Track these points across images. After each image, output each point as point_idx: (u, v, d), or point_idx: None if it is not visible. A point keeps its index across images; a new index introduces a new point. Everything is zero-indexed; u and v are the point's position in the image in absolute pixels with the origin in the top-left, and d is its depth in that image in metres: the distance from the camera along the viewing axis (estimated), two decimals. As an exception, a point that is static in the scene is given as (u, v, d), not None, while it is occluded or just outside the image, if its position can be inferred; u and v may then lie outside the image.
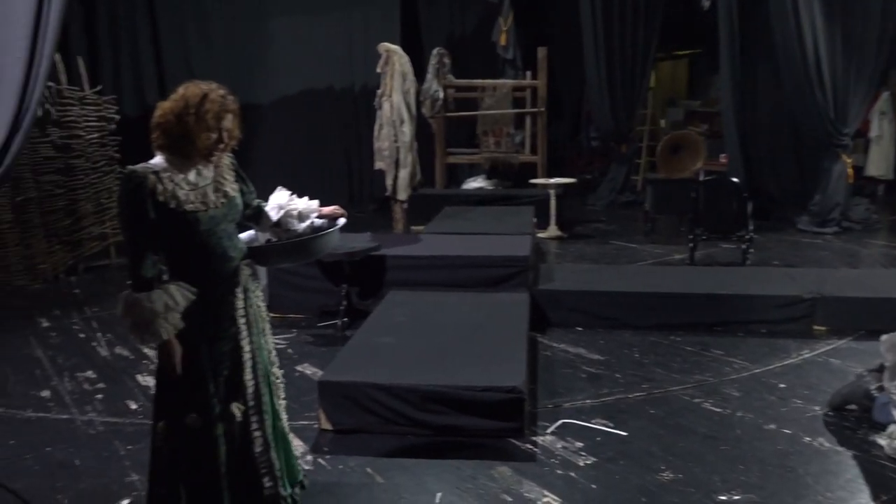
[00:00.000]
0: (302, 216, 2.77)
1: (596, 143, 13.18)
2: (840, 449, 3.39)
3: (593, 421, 3.70)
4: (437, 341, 4.17)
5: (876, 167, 11.27)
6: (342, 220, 2.85)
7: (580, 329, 5.18)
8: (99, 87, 7.64)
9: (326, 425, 3.60)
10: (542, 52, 9.60)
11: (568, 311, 5.28)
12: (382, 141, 6.77)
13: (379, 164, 6.88)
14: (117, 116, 7.77)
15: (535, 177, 9.54)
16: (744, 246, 6.86)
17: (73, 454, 3.42)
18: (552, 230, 8.55)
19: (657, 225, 8.67)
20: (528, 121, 10.51)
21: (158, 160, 2.40)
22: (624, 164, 11.44)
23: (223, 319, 2.48)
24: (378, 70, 6.92)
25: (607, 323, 5.20)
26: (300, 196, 2.85)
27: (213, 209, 2.43)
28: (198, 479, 2.46)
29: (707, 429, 3.61)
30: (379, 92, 6.86)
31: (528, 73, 10.69)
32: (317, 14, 10.67)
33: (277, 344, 4.87)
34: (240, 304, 2.52)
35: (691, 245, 7.04)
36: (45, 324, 5.57)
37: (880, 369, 3.60)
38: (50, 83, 6.45)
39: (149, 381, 4.33)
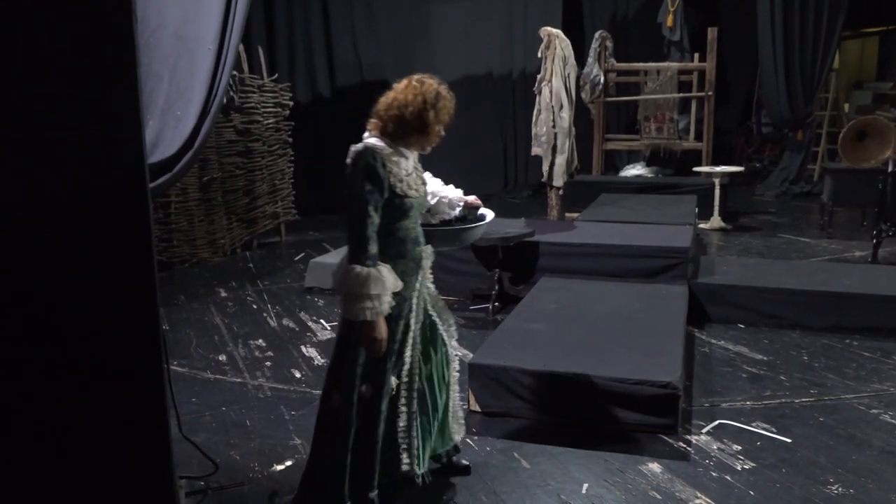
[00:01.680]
0: (452, 204, 2.88)
1: (767, 130, 12.31)
2: None
3: (753, 424, 3.49)
4: (589, 330, 4.11)
5: None
6: (492, 214, 2.95)
7: (742, 326, 4.89)
8: (275, 76, 8.18)
9: (475, 407, 3.66)
10: (711, 33, 9.09)
11: (729, 306, 5.00)
12: (540, 126, 6.72)
13: (536, 150, 6.83)
14: (291, 103, 8.28)
15: (699, 164, 9.10)
16: (939, 244, 6.18)
17: (245, 415, 3.72)
18: (715, 221, 8.13)
19: (835, 218, 7.98)
20: (693, 106, 10.02)
21: (380, 144, 2.49)
22: (799, 152, 10.63)
23: (404, 299, 2.58)
24: (539, 55, 6.86)
25: (773, 322, 4.88)
26: (455, 182, 2.95)
27: (419, 196, 2.59)
28: (358, 449, 2.57)
29: (885, 443, 3.30)
30: (539, 77, 6.80)
31: (696, 56, 10.17)
32: (478, -1, 10.76)
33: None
34: (417, 285, 2.63)
35: (875, 241, 6.42)
36: (223, 294, 6.08)
37: None
38: (234, 72, 6.98)
39: (312, 352, 4.62)
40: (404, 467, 2.68)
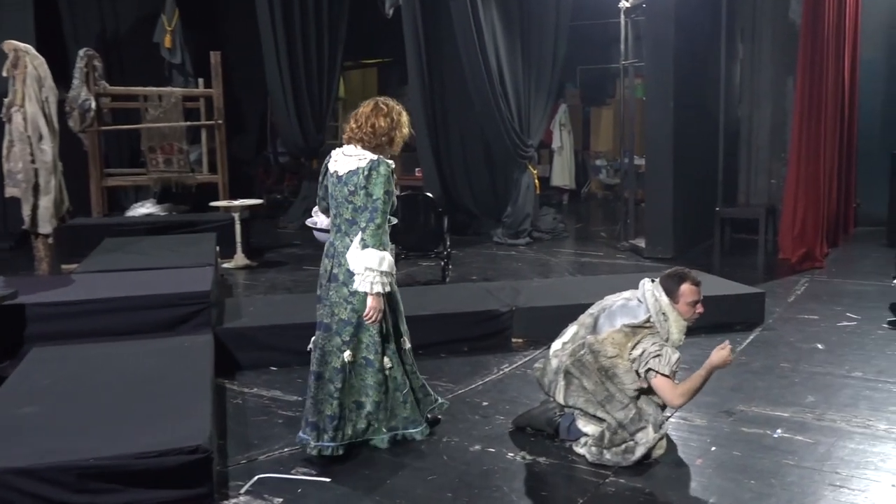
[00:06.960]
0: None
1: (285, 160, 13.27)
2: (541, 460, 3.78)
3: (293, 471, 3.67)
4: (98, 404, 3.86)
5: (560, 177, 12.96)
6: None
7: (274, 369, 5.13)
8: None
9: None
10: (215, 57, 9.41)
11: (260, 349, 5.21)
12: (15, 162, 6.22)
13: (12, 191, 6.30)
14: None
15: (217, 199, 9.31)
16: (443, 262, 7.38)
17: None
18: (239, 259, 8.41)
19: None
20: (203, 135, 10.23)
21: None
22: (316, 182, 11.69)
23: None
24: (4, 74, 6.37)
25: (305, 358, 5.17)
26: None
27: None
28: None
29: (414, 459, 3.79)
30: (7, 101, 6.33)
31: (201, 81, 10.42)
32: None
33: None
34: None
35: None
36: None
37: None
38: None
39: None
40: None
